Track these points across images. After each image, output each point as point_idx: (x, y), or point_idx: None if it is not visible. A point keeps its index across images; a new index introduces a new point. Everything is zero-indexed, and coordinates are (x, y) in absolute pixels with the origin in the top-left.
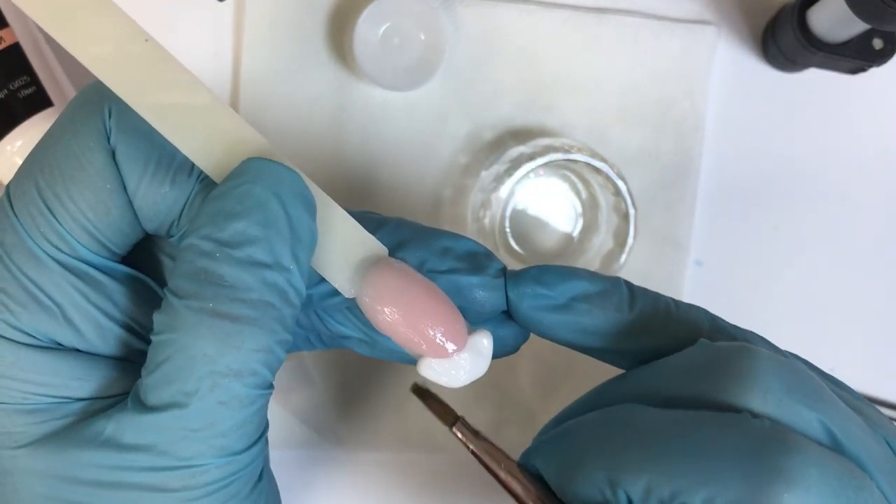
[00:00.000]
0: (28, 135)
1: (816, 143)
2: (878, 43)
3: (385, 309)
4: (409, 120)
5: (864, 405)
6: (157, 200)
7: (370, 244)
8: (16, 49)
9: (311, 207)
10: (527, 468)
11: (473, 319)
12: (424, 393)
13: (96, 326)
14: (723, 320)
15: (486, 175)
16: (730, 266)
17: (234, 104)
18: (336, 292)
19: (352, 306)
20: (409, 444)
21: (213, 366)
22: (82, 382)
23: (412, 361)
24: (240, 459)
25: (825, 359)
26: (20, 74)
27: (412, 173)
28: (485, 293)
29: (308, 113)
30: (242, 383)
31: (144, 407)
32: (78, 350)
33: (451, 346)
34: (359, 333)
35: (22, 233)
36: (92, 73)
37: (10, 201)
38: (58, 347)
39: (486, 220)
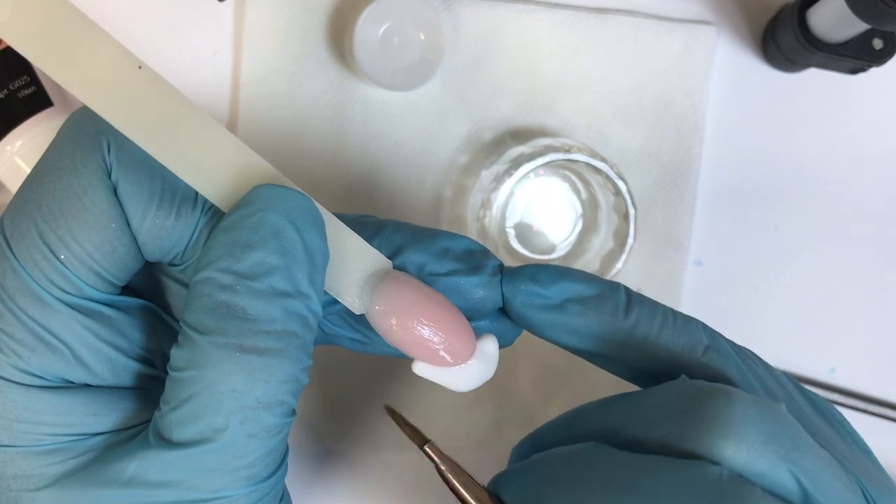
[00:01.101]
0: (28, 135)
1: (816, 143)
2: (878, 43)
3: (395, 323)
4: (409, 120)
5: (847, 445)
6: (162, 235)
7: (375, 259)
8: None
9: (322, 230)
10: (495, 495)
11: (471, 316)
12: (396, 415)
13: (107, 362)
14: (721, 337)
15: (486, 175)
16: (730, 266)
17: (234, 104)
18: (334, 301)
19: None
20: (409, 444)
21: (242, 400)
22: (98, 418)
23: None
24: (266, 485)
25: (825, 359)
26: (20, 74)
27: (412, 173)
28: (484, 292)
29: (308, 113)
30: (271, 414)
31: (170, 443)
32: (89, 385)
33: (462, 356)
34: (356, 335)
35: (25, 276)
36: (89, 105)
37: (7, 243)
38: (69, 386)
39: (486, 220)
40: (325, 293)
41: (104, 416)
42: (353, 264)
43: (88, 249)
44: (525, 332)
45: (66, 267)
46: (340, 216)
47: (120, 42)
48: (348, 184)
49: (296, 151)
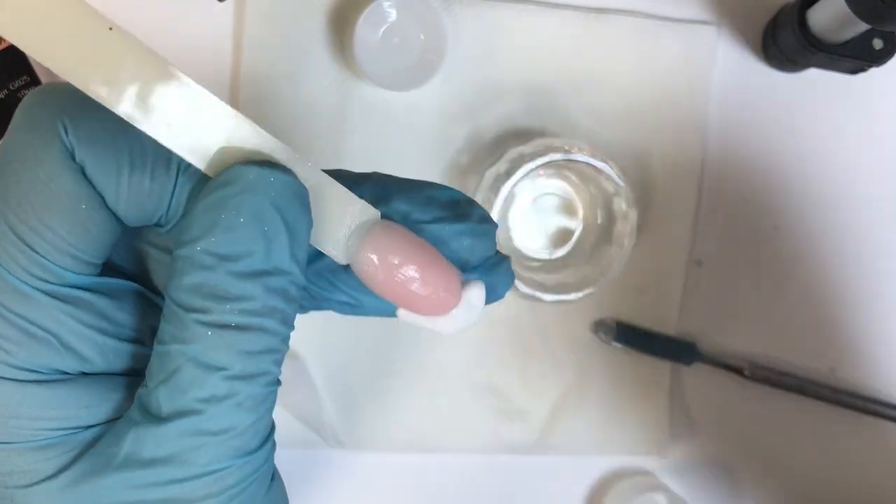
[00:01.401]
0: None
1: (816, 143)
2: (878, 43)
3: (382, 271)
4: (409, 120)
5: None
6: (141, 200)
7: (363, 209)
8: (16, 49)
9: (306, 202)
10: None
11: (461, 269)
12: None
13: (95, 346)
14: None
15: (487, 175)
16: (730, 266)
17: (234, 104)
18: (318, 256)
19: (335, 270)
20: (408, 444)
21: (227, 372)
22: (90, 410)
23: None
24: (256, 458)
25: (825, 359)
26: (20, 74)
27: (412, 173)
28: (471, 240)
29: (308, 113)
30: (255, 384)
31: (159, 418)
32: (85, 374)
33: (450, 304)
34: (345, 297)
35: (1, 271)
36: (61, 76)
37: None
38: (63, 378)
39: None
40: (310, 246)
41: (97, 408)
42: (340, 216)
43: (62, 234)
44: (521, 333)
45: (41, 256)
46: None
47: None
48: None
49: (296, 151)
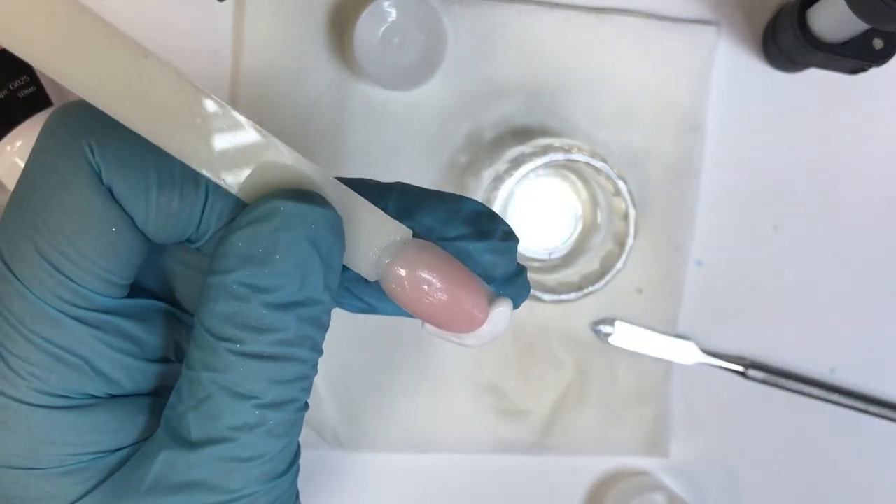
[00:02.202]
0: (28, 135)
1: (816, 143)
2: (878, 43)
3: (411, 289)
4: (409, 120)
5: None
6: (170, 219)
7: (393, 227)
8: None
9: (340, 232)
10: None
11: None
12: None
13: (124, 369)
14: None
15: (487, 175)
16: (730, 266)
17: (234, 104)
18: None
19: (356, 281)
20: (409, 444)
21: (258, 401)
22: (118, 434)
23: (412, 315)
24: (283, 481)
25: (825, 359)
26: (20, 74)
27: (412, 173)
28: (493, 257)
29: (308, 113)
30: (285, 411)
31: (189, 443)
32: (112, 396)
33: (478, 321)
34: (360, 304)
35: (32, 297)
36: (98, 106)
37: (7, 266)
38: (91, 402)
39: None
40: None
41: (125, 432)
42: (372, 235)
43: (92, 258)
44: (521, 334)
45: (72, 280)
46: (344, 179)
47: (124, 33)
48: None
49: (296, 151)
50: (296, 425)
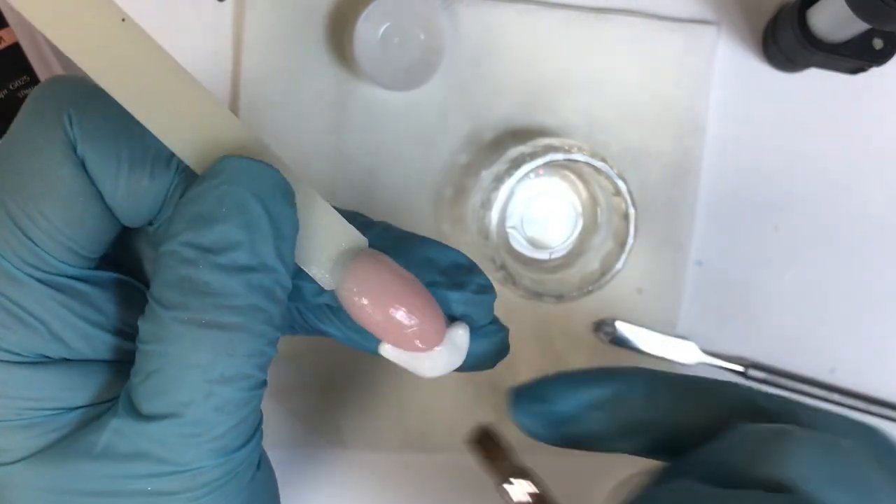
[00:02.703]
0: None
1: (817, 143)
2: (878, 43)
3: (366, 303)
4: (409, 120)
5: None
6: (138, 198)
7: (351, 235)
8: (16, 49)
9: (291, 198)
10: None
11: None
12: (479, 448)
13: (83, 337)
14: (764, 395)
15: (486, 175)
16: (730, 266)
17: (234, 104)
18: (318, 293)
19: (332, 304)
20: (409, 444)
21: (207, 375)
22: (73, 392)
23: (362, 343)
24: (237, 456)
25: (825, 359)
26: (20, 74)
27: (412, 173)
28: (464, 309)
29: (308, 113)
30: (237, 388)
31: (139, 415)
32: (68, 360)
33: (432, 341)
34: (339, 332)
35: None
36: (71, 59)
37: None
38: (47, 361)
39: (486, 220)
40: (305, 277)
41: (80, 390)
42: (326, 238)
43: (58, 225)
44: (521, 334)
45: (36, 244)
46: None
47: None
48: (348, 184)
49: (296, 151)
50: (249, 403)
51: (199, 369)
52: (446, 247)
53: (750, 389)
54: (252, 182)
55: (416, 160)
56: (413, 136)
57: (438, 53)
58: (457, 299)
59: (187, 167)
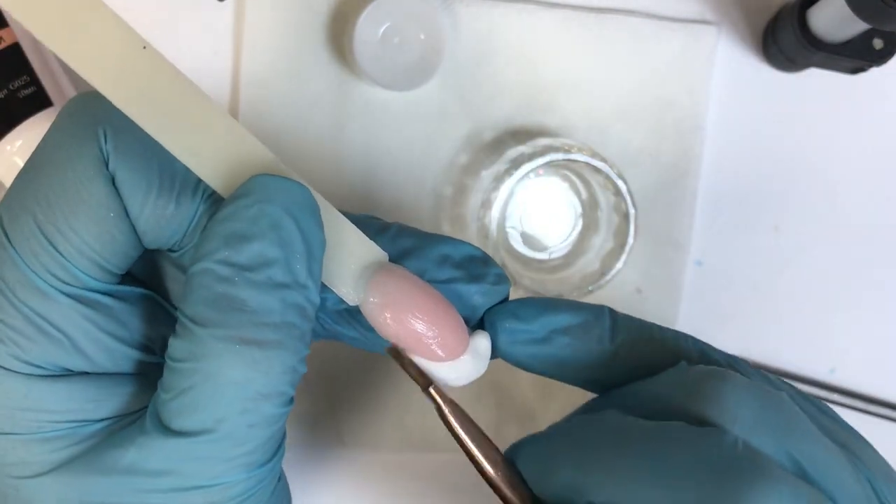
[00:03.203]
0: (28, 135)
1: (817, 143)
2: (878, 43)
3: (389, 316)
4: (409, 120)
5: (858, 444)
6: (161, 223)
7: (371, 251)
8: (16, 49)
9: (319, 218)
10: (510, 461)
11: (472, 321)
12: (401, 357)
13: (106, 351)
14: (714, 349)
15: (486, 175)
16: (730, 266)
17: (234, 104)
18: (339, 302)
19: (349, 308)
20: (409, 444)
21: (243, 392)
22: (97, 404)
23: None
24: (264, 470)
25: (825, 359)
26: (20, 74)
27: (412, 173)
28: (484, 299)
29: (308, 113)
30: (270, 404)
31: (169, 431)
32: (88, 373)
33: (455, 351)
34: (355, 333)
35: (24, 268)
36: (94, 87)
37: (6, 235)
38: (68, 374)
39: (487, 220)
40: (323, 285)
41: (104, 403)
42: (349, 255)
43: (87, 240)
44: None
45: (65, 258)
46: (344, 213)
47: (126, 22)
48: (348, 184)
49: (296, 151)
50: (280, 420)
51: (235, 386)
52: (458, 241)
53: (703, 343)
54: (285, 200)
55: (416, 160)
56: (413, 136)
57: (438, 53)
58: (477, 291)
59: (211, 196)
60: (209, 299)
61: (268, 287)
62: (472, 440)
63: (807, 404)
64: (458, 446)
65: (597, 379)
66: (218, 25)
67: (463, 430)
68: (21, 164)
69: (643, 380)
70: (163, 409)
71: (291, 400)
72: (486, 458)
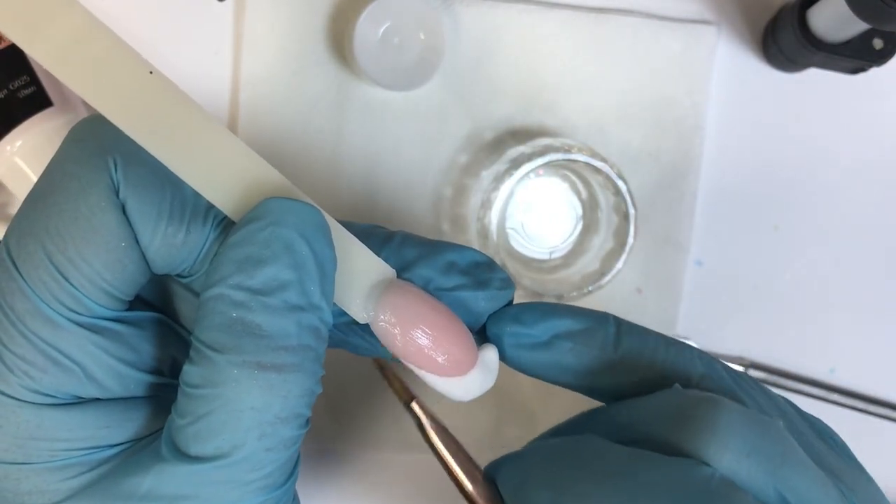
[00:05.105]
0: (28, 135)
1: (816, 143)
2: (878, 43)
3: (399, 333)
4: (409, 120)
5: (852, 473)
6: (172, 251)
7: (379, 267)
8: (16, 49)
9: (330, 238)
10: (490, 479)
11: (476, 325)
12: (385, 370)
13: (118, 377)
14: (718, 362)
15: (487, 175)
16: (730, 266)
17: (234, 104)
18: (343, 313)
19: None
20: (409, 444)
21: (262, 416)
22: (110, 430)
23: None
24: (280, 492)
25: (825, 359)
26: (20, 74)
27: (412, 173)
28: (490, 305)
29: (308, 113)
30: (288, 427)
31: (186, 457)
32: (99, 399)
33: (464, 367)
34: (361, 342)
35: (34, 298)
36: (101, 113)
37: (15, 265)
38: (80, 402)
39: (486, 220)
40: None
41: (116, 429)
42: (358, 274)
43: (98, 269)
44: None
45: (75, 288)
46: (349, 224)
47: (132, 48)
48: (348, 184)
49: (296, 151)
50: (297, 442)
51: (253, 412)
52: (462, 247)
53: (709, 357)
54: (297, 222)
55: (417, 160)
56: (413, 136)
57: (438, 53)
58: (483, 297)
59: (222, 222)
60: (224, 325)
61: (283, 310)
62: (453, 456)
63: (805, 427)
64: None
65: (599, 386)
66: (218, 25)
67: (444, 444)
68: (21, 164)
69: (633, 399)
70: (178, 434)
71: (308, 422)
72: (467, 473)
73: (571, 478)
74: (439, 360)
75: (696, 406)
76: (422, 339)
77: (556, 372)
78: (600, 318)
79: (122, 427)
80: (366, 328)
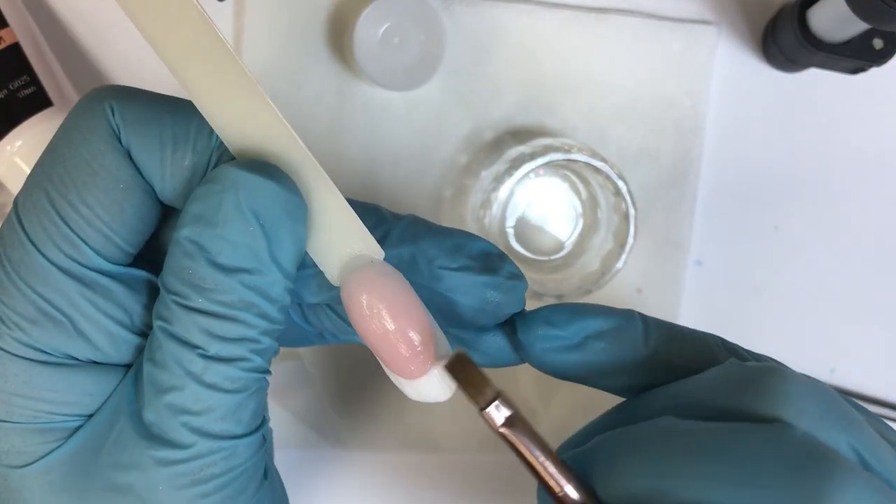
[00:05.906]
0: (28, 135)
1: (816, 143)
2: (878, 43)
3: (365, 309)
4: (409, 120)
5: (890, 432)
6: (186, 176)
7: (366, 241)
8: (16, 49)
9: (293, 213)
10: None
11: (489, 321)
12: (462, 366)
13: (108, 335)
14: (740, 347)
15: (486, 175)
16: (730, 266)
17: None
18: (314, 293)
19: (327, 301)
20: (409, 444)
21: (203, 352)
22: (94, 398)
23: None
24: (241, 449)
25: (825, 359)
26: (20, 74)
27: (412, 173)
28: (497, 294)
29: (308, 113)
30: (233, 367)
31: (147, 394)
32: (94, 362)
33: (410, 372)
34: (331, 326)
35: (30, 247)
36: (150, 44)
37: (18, 216)
38: (72, 363)
39: (487, 220)
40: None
41: (100, 397)
42: (343, 239)
43: (98, 212)
44: None
45: (73, 231)
46: (356, 202)
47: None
48: (348, 184)
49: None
50: (248, 388)
51: (195, 347)
52: (476, 236)
53: (730, 342)
54: (249, 196)
55: (416, 160)
56: (413, 136)
57: (438, 53)
58: (488, 283)
59: (222, 146)
60: (175, 269)
61: (224, 269)
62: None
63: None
64: (459, 446)
65: (634, 384)
66: (218, 25)
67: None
68: (21, 164)
69: (687, 379)
70: (142, 371)
71: (263, 370)
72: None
73: (668, 460)
74: (389, 353)
75: (763, 375)
76: (383, 321)
77: (591, 373)
78: (627, 316)
79: (105, 396)
80: (338, 310)
